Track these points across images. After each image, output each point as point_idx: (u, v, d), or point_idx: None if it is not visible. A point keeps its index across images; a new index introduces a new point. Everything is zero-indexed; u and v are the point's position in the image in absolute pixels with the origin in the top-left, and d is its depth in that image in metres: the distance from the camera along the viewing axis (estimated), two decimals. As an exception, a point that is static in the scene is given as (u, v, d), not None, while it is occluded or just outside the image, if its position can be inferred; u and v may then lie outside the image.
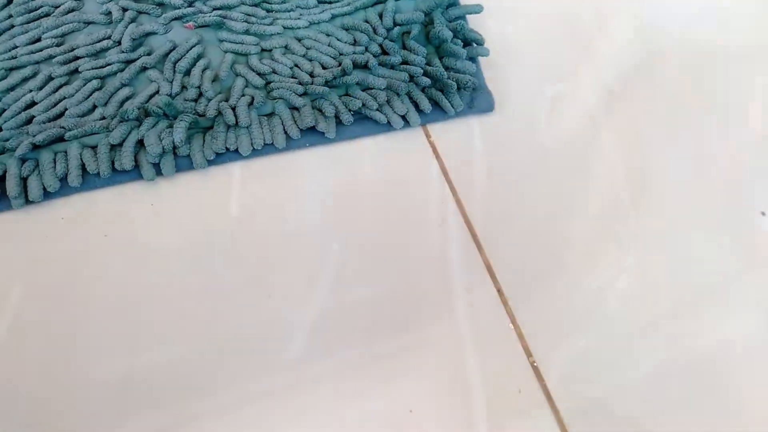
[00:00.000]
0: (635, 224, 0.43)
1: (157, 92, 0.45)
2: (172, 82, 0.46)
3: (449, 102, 0.45)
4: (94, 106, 0.45)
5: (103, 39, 0.48)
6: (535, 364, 0.39)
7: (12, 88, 0.45)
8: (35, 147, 0.42)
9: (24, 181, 0.41)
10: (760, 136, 0.48)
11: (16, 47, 0.47)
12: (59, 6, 0.49)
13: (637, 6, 0.55)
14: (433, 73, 0.46)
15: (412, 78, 0.46)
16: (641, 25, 0.54)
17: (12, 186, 0.41)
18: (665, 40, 0.53)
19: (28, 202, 0.41)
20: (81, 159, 0.42)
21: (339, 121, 0.45)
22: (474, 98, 0.46)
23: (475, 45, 0.48)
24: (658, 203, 0.45)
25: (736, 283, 0.42)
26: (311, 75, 0.46)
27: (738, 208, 0.45)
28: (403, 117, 0.45)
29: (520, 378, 0.38)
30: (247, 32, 0.48)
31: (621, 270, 0.42)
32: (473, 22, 0.51)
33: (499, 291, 0.41)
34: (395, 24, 0.49)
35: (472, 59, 0.48)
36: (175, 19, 0.49)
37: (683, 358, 0.39)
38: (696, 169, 0.46)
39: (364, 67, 0.47)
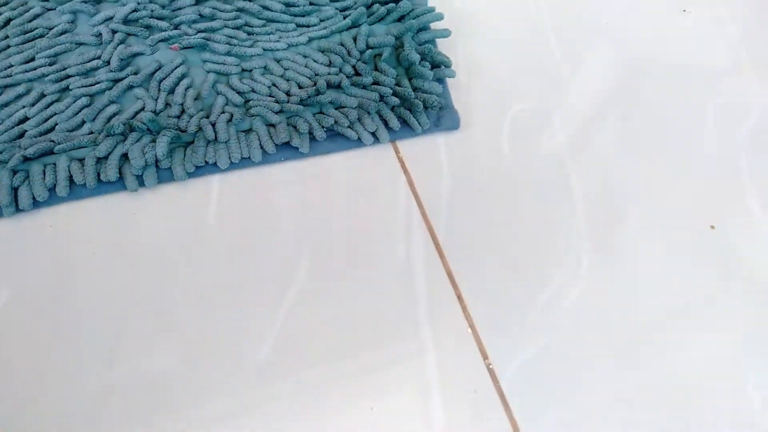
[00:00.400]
0: (592, 238, 0.46)
1: (143, 109, 0.48)
2: (156, 100, 0.49)
3: (417, 120, 0.48)
4: (83, 122, 0.48)
5: (94, 59, 0.51)
6: (490, 366, 0.41)
7: (6, 104, 0.48)
8: (26, 159, 0.45)
9: (15, 190, 0.44)
10: (716, 158, 0.51)
11: (12, 66, 0.50)
12: (53, 28, 0.52)
13: (603, 30, 0.58)
14: (402, 93, 0.49)
15: (382, 98, 0.49)
16: (607, 48, 0.57)
17: (3, 195, 0.43)
18: (631, 63, 0.56)
19: (18, 210, 0.44)
20: (69, 171, 0.45)
21: (312, 137, 0.48)
22: (441, 117, 0.49)
23: (442, 67, 0.51)
24: (617, 219, 0.47)
25: (691, 296, 0.44)
26: (288, 94, 0.50)
27: (694, 225, 0.47)
28: (373, 134, 0.48)
29: (476, 379, 0.41)
30: (228, 53, 0.52)
31: (576, 280, 0.44)
32: (443, 45, 0.55)
33: (459, 297, 0.43)
34: (368, 47, 0.52)
35: (440, 80, 0.51)
36: (162, 40, 0.52)
37: (635, 364, 0.41)
38: (655, 186, 0.49)
39: (338, 87, 0.50)
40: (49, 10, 0.53)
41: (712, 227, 0.47)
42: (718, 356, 0.42)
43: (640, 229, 0.47)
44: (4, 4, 0.53)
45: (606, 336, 0.42)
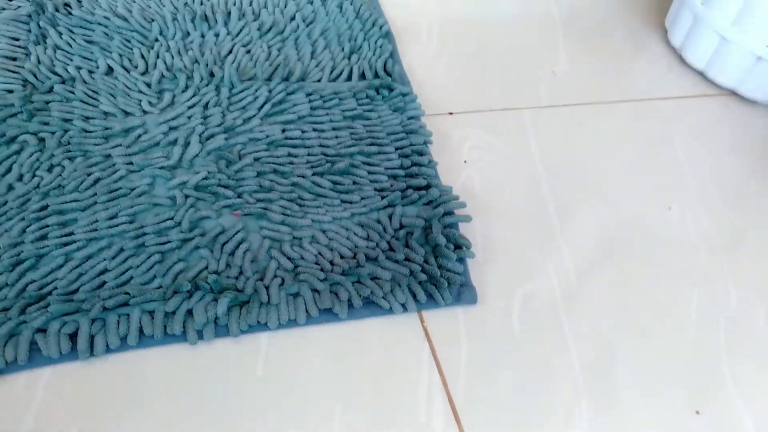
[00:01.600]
0: (590, 406, 0.52)
1: (206, 268, 0.56)
2: (218, 261, 0.57)
3: (441, 295, 0.56)
4: (155, 277, 0.55)
5: (167, 219, 0.59)
6: None
7: (90, 257, 0.56)
8: (104, 309, 0.52)
9: (91, 337, 0.51)
10: (696, 324, 0.59)
11: (97, 221, 0.58)
12: (134, 189, 0.61)
13: (609, 216, 0.68)
14: (429, 271, 0.57)
15: (411, 272, 0.57)
16: (604, 220, 0.67)
17: (82, 342, 0.50)
18: (624, 232, 0.65)
19: (92, 355, 0.50)
20: (140, 322, 0.52)
21: (350, 304, 0.55)
22: (461, 293, 0.57)
23: (463, 248, 0.60)
24: (610, 391, 0.54)
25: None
26: (331, 263, 0.58)
27: (677, 406, 0.54)
28: (403, 305, 0.56)
29: None
30: (283, 222, 0.60)
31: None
32: (464, 226, 0.64)
33: (473, 464, 0.49)
34: (401, 226, 0.61)
35: (461, 260, 0.59)
36: (226, 206, 0.61)
37: None
38: (648, 361, 0.56)
39: (375, 259, 0.58)
40: (132, 172, 0.63)
41: (697, 412, 0.54)
42: None
43: (633, 407, 0.53)
44: (95, 165, 0.63)
45: None
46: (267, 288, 0.55)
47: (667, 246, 0.66)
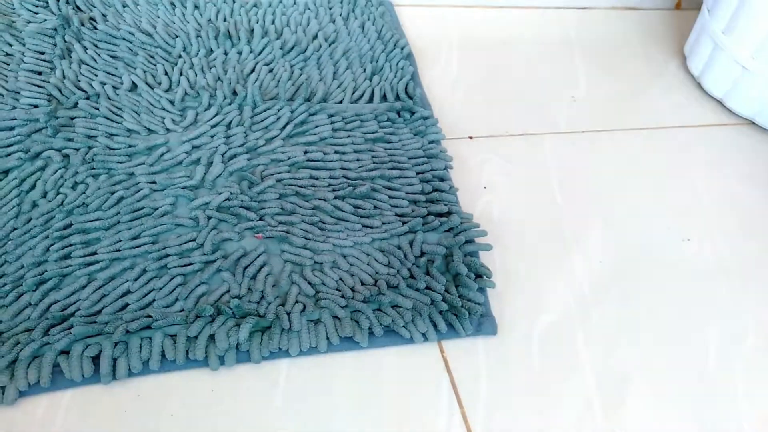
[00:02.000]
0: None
1: (228, 291, 0.56)
2: (240, 284, 0.57)
3: (462, 326, 0.56)
4: (177, 299, 0.55)
5: (189, 241, 0.59)
6: None
7: (113, 277, 0.56)
8: (126, 332, 0.52)
9: (114, 360, 0.51)
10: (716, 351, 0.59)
11: (120, 241, 0.59)
12: (158, 209, 0.62)
13: (619, 234, 0.68)
14: (450, 300, 0.57)
15: (432, 302, 0.57)
16: (622, 248, 0.67)
17: (105, 365, 0.50)
18: (642, 262, 0.65)
19: (114, 378, 0.51)
20: (162, 346, 0.52)
21: (371, 332, 0.55)
22: (481, 323, 0.57)
23: (484, 278, 0.60)
24: (628, 424, 0.54)
25: None
26: (352, 290, 0.58)
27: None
28: (423, 334, 0.56)
29: None
30: (304, 247, 0.61)
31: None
32: (482, 254, 0.64)
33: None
34: (422, 253, 0.61)
35: (481, 289, 0.60)
36: (248, 228, 0.61)
37: None
38: (665, 394, 0.56)
39: (395, 287, 0.58)
40: (155, 191, 0.63)
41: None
42: None
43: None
44: (118, 183, 0.63)
45: None
46: (289, 314, 0.55)
47: (684, 276, 0.66)
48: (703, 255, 0.69)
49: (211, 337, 0.53)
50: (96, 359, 0.51)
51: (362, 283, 0.59)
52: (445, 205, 0.66)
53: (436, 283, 0.59)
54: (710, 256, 0.69)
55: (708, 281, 0.66)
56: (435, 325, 0.57)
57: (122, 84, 0.73)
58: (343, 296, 0.57)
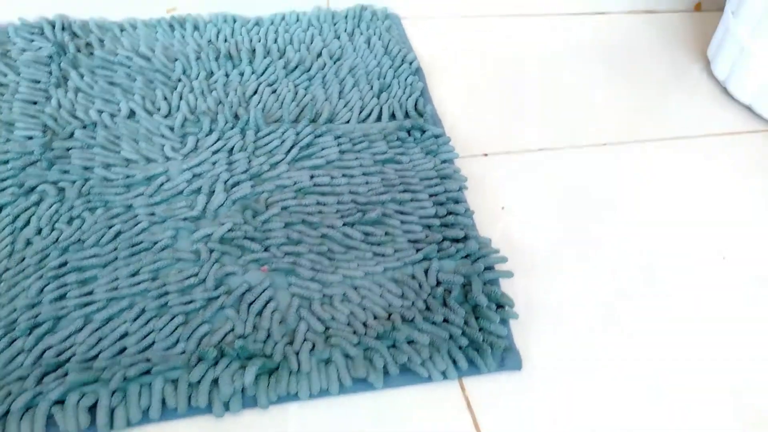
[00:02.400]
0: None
1: (232, 330, 0.53)
2: (245, 322, 0.53)
3: (483, 362, 0.52)
4: (178, 340, 0.52)
5: (191, 276, 0.56)
6: None
7: (110, 318, 0.53)
8: (125, 378, 0.49)
9: (111, 410, 0.48)
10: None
11: (118, 279, 0.55)
12: (157, 242, 0.58)
13: (647, 253, 0.64)
14: (471, 334, 0.53)
15: (451, 336, 0.53)
16: (650, 269, 0.62)
17: (102, 416, 0.47)
18: (673, 284, 0.61)
19: (111, 429, 0.47)
20: (162, 393, 0.48)
21: (386, 371, 0.52)
22: (504, 358, 0.53)
23: (506, 308, 0.56)
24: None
25: None
26: (365, 325, 0.54)
27: None
28: (443, 372, 0.52)
29: None
30: (312, 279, 0.57)
31: None
32: (503, 281, 0.60)
33: None
34: (438, 282, 0.57)
35: (504, 321, 0.55)
36: (253, 261, 0.58)
37: None
38: (696, 410, 0.52)
39: (411, 320, 0.54)
40: (154, 224, 0.60)
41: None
42: None
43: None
44: (116, 216, 0.60)
45: None
46: (297, 354, 0.51)
47: (717, 296, 0.62)
48: (740, 274, 0.64)
49: (215, 382, 0.50)
50: (93, 408, 0.48)
51: (375, 318, 0.55)
52: (461, 229, 0.62)
53: (455, 315, 0.55)
54: (748, 275, 0.64)
55: (746, 304, 0.62)
56: (455, 362, 0.52)
57: (120, 111, 0.70)
58: (354, 332, 0.53)
